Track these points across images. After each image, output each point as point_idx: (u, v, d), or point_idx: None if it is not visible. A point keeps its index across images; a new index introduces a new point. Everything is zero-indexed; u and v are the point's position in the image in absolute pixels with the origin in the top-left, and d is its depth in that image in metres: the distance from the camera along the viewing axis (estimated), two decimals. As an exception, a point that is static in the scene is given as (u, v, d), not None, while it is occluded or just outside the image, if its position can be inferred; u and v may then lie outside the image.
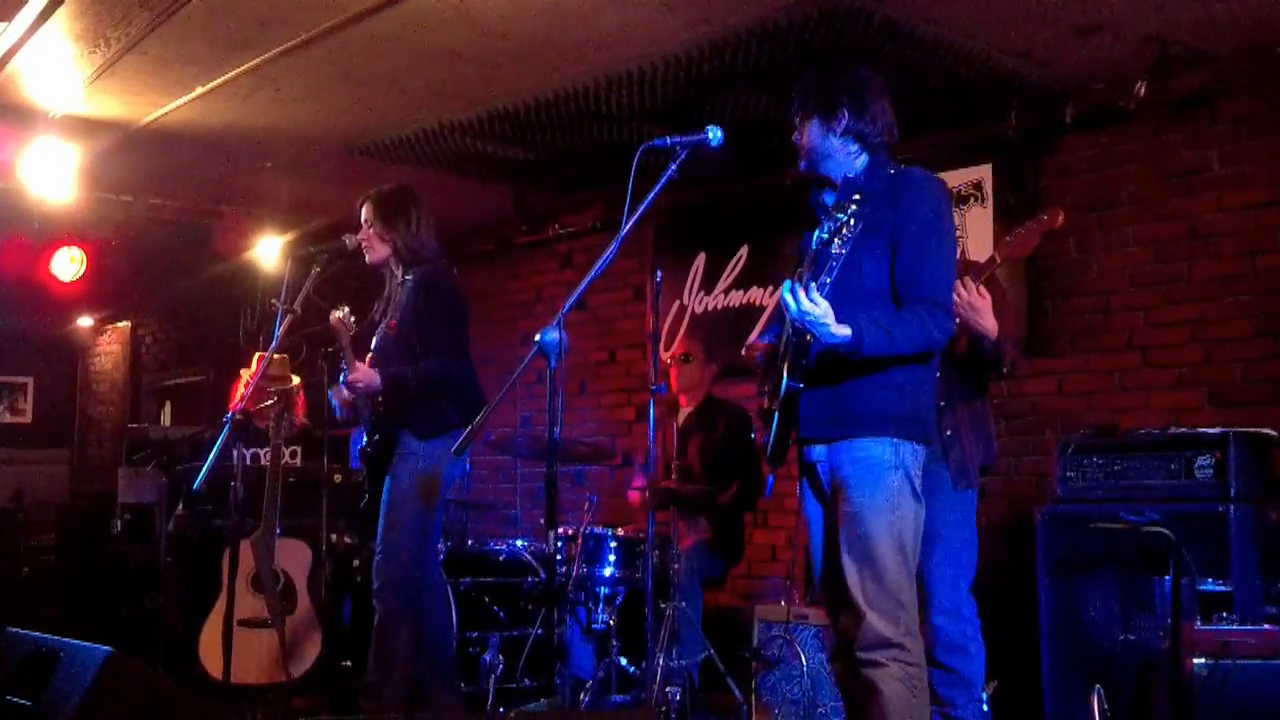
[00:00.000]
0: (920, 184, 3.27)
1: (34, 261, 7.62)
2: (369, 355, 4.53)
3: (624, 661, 5.03)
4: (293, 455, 6.68)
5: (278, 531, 5.40)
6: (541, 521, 4.79)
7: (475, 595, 5.46)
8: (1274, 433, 4.38)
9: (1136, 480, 4.35)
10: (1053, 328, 5.36)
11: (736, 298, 6.68)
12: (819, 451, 3.29)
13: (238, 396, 6.72)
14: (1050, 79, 5.16)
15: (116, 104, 5.72)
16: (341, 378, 4.36)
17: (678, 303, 6.91)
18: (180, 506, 6.45)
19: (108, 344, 12.21)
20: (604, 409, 7.35)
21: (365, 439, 4.52)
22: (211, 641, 5.20)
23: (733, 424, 5.52)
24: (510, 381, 3.41)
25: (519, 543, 5.95)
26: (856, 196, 3.09)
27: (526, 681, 5.27)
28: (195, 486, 4.17)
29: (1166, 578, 3.83)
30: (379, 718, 4.29)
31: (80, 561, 8.19)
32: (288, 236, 8.01)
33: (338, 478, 6.30)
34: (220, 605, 5.22)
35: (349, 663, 5.57)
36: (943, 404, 3.77)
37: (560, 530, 5.20)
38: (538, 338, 3.05)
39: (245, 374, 7.11)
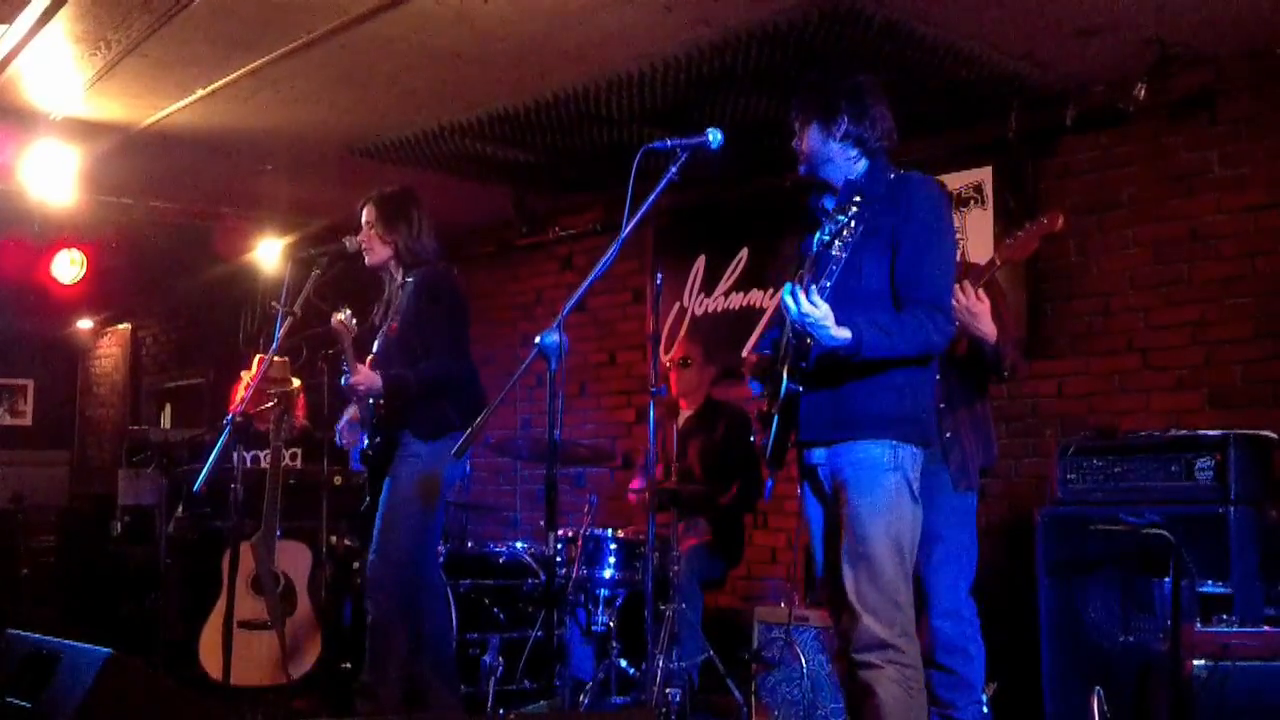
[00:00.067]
0: (920, 187, 3.28)
1: (34, 263, 7.62)
2: (369, 357, 4.53)
3: (624, 663, 5.03)
4: (293, 457, 6.68)
5: (278, 533, 5.40)
6: (541, 523, 4.78)
7: (475, 597, 5.46)
8: (1274, 435, 4.38)
9: (1136, 482, 4.36)
10: (1053, 330, 5.36)
11: (737, 300, 6.68)
12: (819, 455, 3.29)
13: (238, 398, 6.72)
14: (1050, 81, 5.16)
15: (117, 106, 5.72)
16: (343, 379, 4.36)
17: (678, 304, 6.91)
18: (180, 508, 6.45)
19: (108, 346, 12.21)
20: (604, 411, 7.35)
21: (366, 441, 4.52)
22: (211, 643, 5.21)
23: (733, 426, 5.52)
24: (510, 384, 3.40)
25: (519, 545, 5.95)
26: (858, 199, 3.09)
27: (526, 683, 5.27)
28: (195, 488, 4.16)
29: (1166, 579, 3.83)
30: (378, 719, 4.29)
31: (80, 563, 8.19)
32: (288, 239, 8.01)
33: (338, 480, 6.30)
34: (220, 607, 5.22)
35: (349, 664, 5.57)
36: (943, 406, 3.77)
37: (560, 532, 5.20)
38: (538, 340, 3.05)
39: (245, 376, 7.11)
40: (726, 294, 6.73)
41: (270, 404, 5.44)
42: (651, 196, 3.20)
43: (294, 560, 5.56)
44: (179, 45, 4.94)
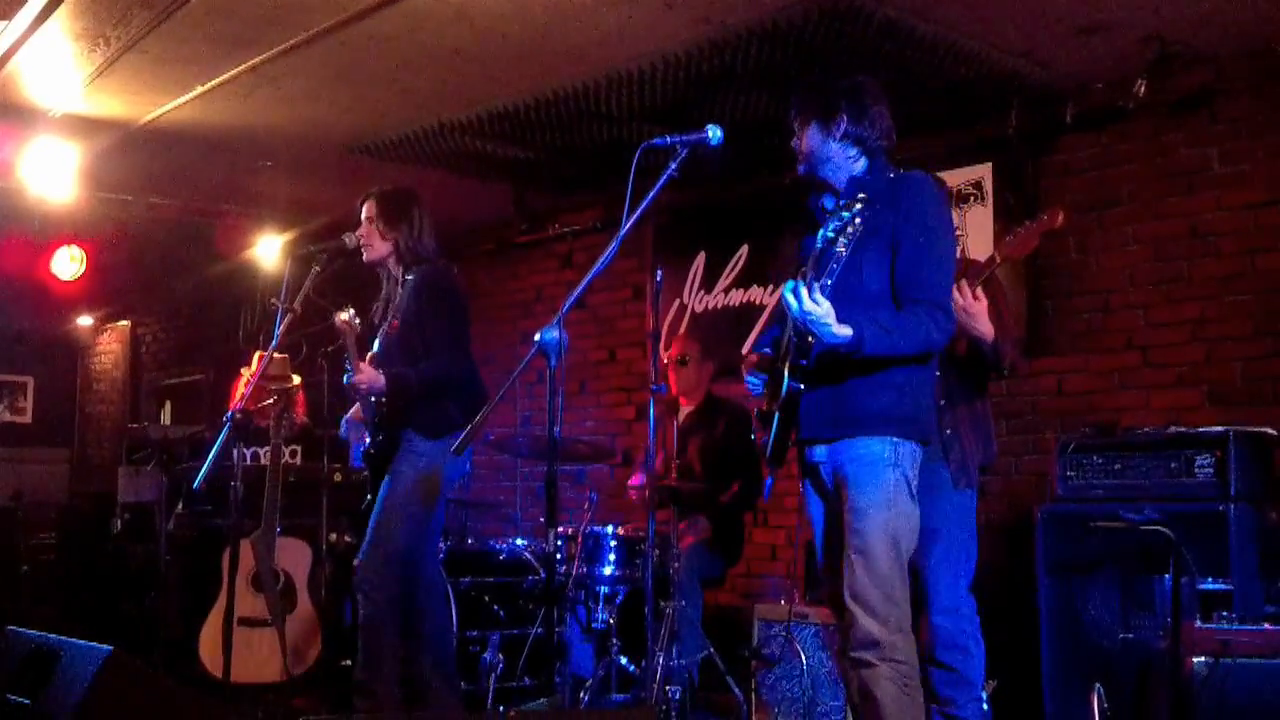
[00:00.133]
0: (920, 186, 3.29)
1: (34, 261, 7.63)
2: (369, 355, 4.53)
3: (624, 660, 5.03)
4: (293, 454, 6.68)
5: (278, 531, 5.40)
6: (541, 520, 4.79)
7: (475, 594, 5.46)
8: (1274, 432, 4.38)
9: (1136, 479, 4.36)
10: (1053, 327, 5.36)
11: (736, 297, 6.68)
12: (820, 452, 3.30)
13: (238, 396, 6.71)
14: (1050, 79, 5.16)
15: (116, 103, 5.72)
16: (345, 378, 4.36)
17: (678, 302, 6.91)
18: (180, 506, 6.46)
19: (108, 343, 12.21)
20: (604, 408, 7.35)
21: (369, 440, 4.52)
22: (211, 640, 5.21)
23: (733, 423, 5.52)
24: (510, 381, 3.40)
25: (519, 542, 5.96)
26: (862, 196, 3.10)
27: (526, 680, 5.27)
28: (195, 485, 4.17)
29: (1166, 577, 3.82)
30: (378, 717, 4.29)
31: (80, 561, 8.20)
32: (288, 235, 8.01)
33: (338, 477, 6.30)
34: (220, 604, 5.22)
35: (349, 662, 5.56)
36: (943, 403, 3.77)
37: (560, 529, 5.19)
38: (538, 337, 3.05)
39: (245, 373, 7.11)
40: (726, 291, 6.72)
41: (270, 401, 5.44)
42: (651, 193, 3.20)
43: (294, 558, 5.57)
44: (178, 42, 4.94)
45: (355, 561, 4.43)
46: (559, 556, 5.16)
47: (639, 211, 3.17)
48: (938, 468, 3.73)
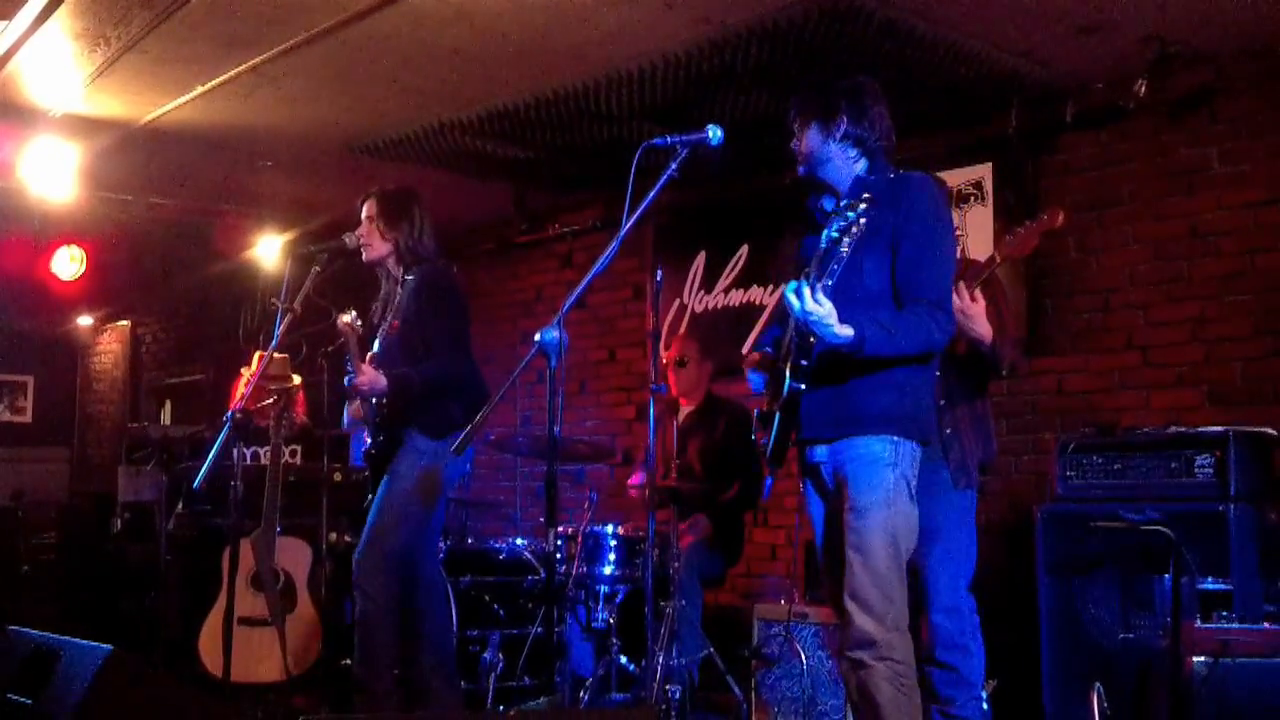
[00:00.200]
0: (920, 186, 3.30)
1: (34, 260, 7.63)
2: (369, 354, 4.53)
3: (624, 660, 5.03)
4: (293, 454, 6.68)
5: (278, 530, 5.40)
6: (541, 520, 4.79)
7: (475, 594, 5.46)
8: (1274, 432, 4.38)
9: (1136, 479, 4.36)
10: (1053, 327, 5.36)
11: (737, 296, 6.68)
12: (821, 452, 3.31)
13: (238, 395, 6.72)
14: (1050, 78, 5.16)
15: (116, 103, 5.72)
16: (347, 380, 4.36)
17: (678, 301, 6.91)
18: (180, 505, 6.46)
19: (108, 343, 12.21)
20: (604, 408, 7.35)
21: (370, 440, 4.52)
22: (211, 640, 5.21)
23: (733, 424, 5.52)
24: (510, 380, 3.40)
25: (519, 541, 5.96)
26: (867, 195, 3.11)
27: (526, 680, 5.27)
28: (195, 485, 4.17)
29: (1166, 576, 3.83)
30: (378, 717, 4.29)
31: (80, 560, 8.20)
32: (288, 235, 8.01)
33: (338, 476, 6.31)
34: (220, 604, 5.22)
35: (349, 661, 5.57)
36: (943, 402, 3.77)
37: (560, 529, 5.19)
38: (538, 336, 3.05)
39: (245, 373, 7.11)
40: (727, 291, 6.72)
41: (270, 401, 5.44)
42: (651, 193, 3.20)
43: (294, 557, 5.57)
44: (178, 42, 4.94)
45: (354, 558, 4.43)
46: (559, 556, 5.16)
47: (639, 211, 3.18)
48: (937, 467, 3.73)
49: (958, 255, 3.72)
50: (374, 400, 4.42)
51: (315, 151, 6.48)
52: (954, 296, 3.57)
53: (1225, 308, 4.88)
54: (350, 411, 4.56)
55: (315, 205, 7.53)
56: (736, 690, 4.87)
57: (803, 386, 3.20)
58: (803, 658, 4.65)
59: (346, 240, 4.52)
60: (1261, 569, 4.12)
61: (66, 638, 3.59)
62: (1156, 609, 4.05)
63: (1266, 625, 3.72)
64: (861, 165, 3.35)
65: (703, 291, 6.83)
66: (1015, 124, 5.40)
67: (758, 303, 6.54)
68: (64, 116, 5.86)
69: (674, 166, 3.21)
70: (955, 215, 5.35)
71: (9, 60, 5.08)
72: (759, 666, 4.81)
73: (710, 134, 3.19)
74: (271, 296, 4.52)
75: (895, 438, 3.18)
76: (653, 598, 4.63)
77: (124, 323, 11.90)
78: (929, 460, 3.40)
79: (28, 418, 12.24)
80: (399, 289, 4.57)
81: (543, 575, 5.55)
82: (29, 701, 3.46)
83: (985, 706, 3.98)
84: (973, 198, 5.62)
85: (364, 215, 4.58)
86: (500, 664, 5.08)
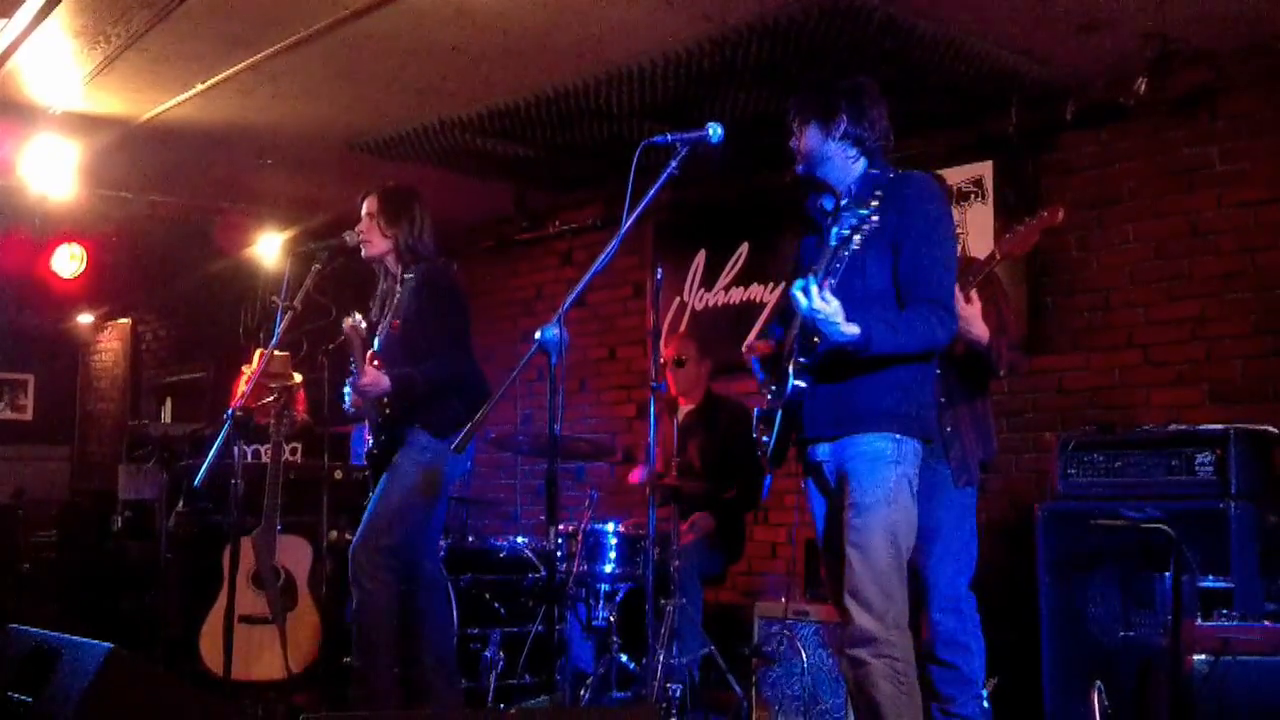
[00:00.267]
0: (920, 186, 3.31)
1: (34, 258, 7.62)
2: (368, 352, 4.53)
3: (624, 658, 5.03)
4: (293, 452, 6.68)
5: (278, 528, 5.40)
6: (542, 518, 4.80)
7: (476, 592, 5.46)
8: (1274, 430, 4.39)
9: (1137, 477, 4.36)
10: (1053, 325, 5.36)
11: (737, 294, 6.68)
12: (824, 451, 3.31)
13: (238, 393, 6.71)
14: (1050, 76, 5.15)
15: (117, 101, 5.72)
16: (350, 380, 4.36)
17: (678, 299, 6.91)
18: (181, 503, 6.45)
19: (108, 341, 12.20)
20: (604, 406, 7.35)
21: (372, 440, 4.52)
22: (212, 638, 5.21)
23: (733, 423, 5.51)
24: (511, 379, 3.40)
25: (519, 539, 5.95)
26: (878, 193, 3.11)
27: (527, 678, 5.27)
28: (196, 483, 4.17)
29: (1167, 574, 3.83)
30: (379, 716, 4.29)
31: (81, 558, 8.20)
32: (288, 233, 8.00)
33: (338, 474, 6.31)
34: (221, 602, 5.22)
35: (350, 659, 5.57)
36: (943, 401, 3.77)
37: (560, 527, 5.19)
38: (538, 335, 3.05)
39: (246, 371, 7.10)
40: (727, 289, 6.72)
41: (271, 399, 5.44)
42: (651, 191, 3.20)
43: (295, 555, 5.56)
44: (178, 40, 4.94)
45: (349, 551, 4.42)
46: (559, 554, 5.16)
47: (639, 209, 3.18)
48: (938, 465, 3.73)
49: (958, 254, 3.72)
50: (377, 400, 4.42)
51: (315, 149, 6.48)
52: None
53: (1226, 306, 4.87)
54: (352, 401, 4.56)
55: (315, 203, 7.53)
56: (737, 688, 4.87)
57: (805, 385, 3.21)
58: (803, 656, 4.65)
59: (346, 237, 4.52)
60: (1262, 567, 4.12)
61: (67, 636, 3.59)
62: (1157, 607, 4.05)
63: (1267, 623, 3.71)
64: (861, 165, 3.35)
65: (703, 289, 6.83)
66: (1015, 122, 5.40)
67: (758, 301, 6.54)
68: (64, 114, 5.85)
69: (674, 164, 3.21)
70: (955, 213, 5.35)
71: (9, 57, 5.08)
72: (760, 664, 4.82)
73: (710, 132, 3.18)
74: (272, 294, 4.52)
75: (898, 436, 3.19)
76: (653, 596, 4.63)
77: (124, 321, 11.89)
78: (929, 458, 3.40)
79: (28, 416, 12.23)
80: (398, 286, 4.57)
81: (543, 573, 5.55)
82: (29, 700, 3.46)
83: (985, 705, 3.98)
84: (973, 196, 5.62)
85: (364, 212, 4.58)
86: (501, 662, 5.08)
